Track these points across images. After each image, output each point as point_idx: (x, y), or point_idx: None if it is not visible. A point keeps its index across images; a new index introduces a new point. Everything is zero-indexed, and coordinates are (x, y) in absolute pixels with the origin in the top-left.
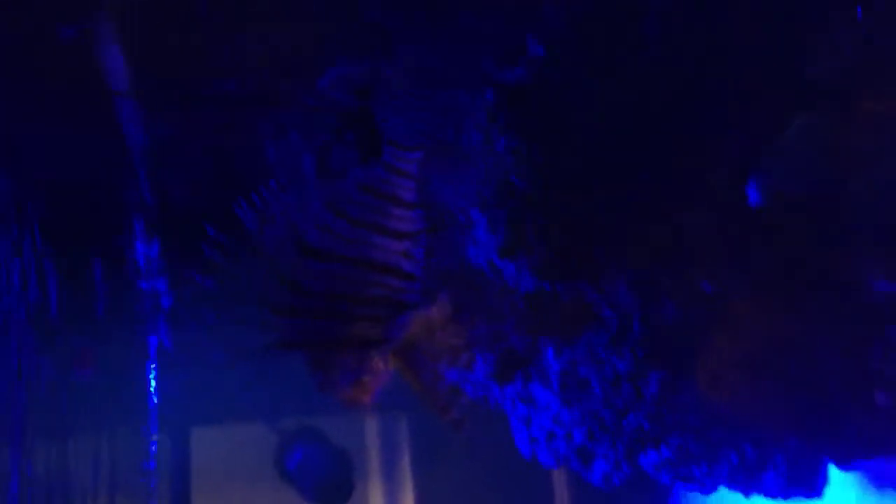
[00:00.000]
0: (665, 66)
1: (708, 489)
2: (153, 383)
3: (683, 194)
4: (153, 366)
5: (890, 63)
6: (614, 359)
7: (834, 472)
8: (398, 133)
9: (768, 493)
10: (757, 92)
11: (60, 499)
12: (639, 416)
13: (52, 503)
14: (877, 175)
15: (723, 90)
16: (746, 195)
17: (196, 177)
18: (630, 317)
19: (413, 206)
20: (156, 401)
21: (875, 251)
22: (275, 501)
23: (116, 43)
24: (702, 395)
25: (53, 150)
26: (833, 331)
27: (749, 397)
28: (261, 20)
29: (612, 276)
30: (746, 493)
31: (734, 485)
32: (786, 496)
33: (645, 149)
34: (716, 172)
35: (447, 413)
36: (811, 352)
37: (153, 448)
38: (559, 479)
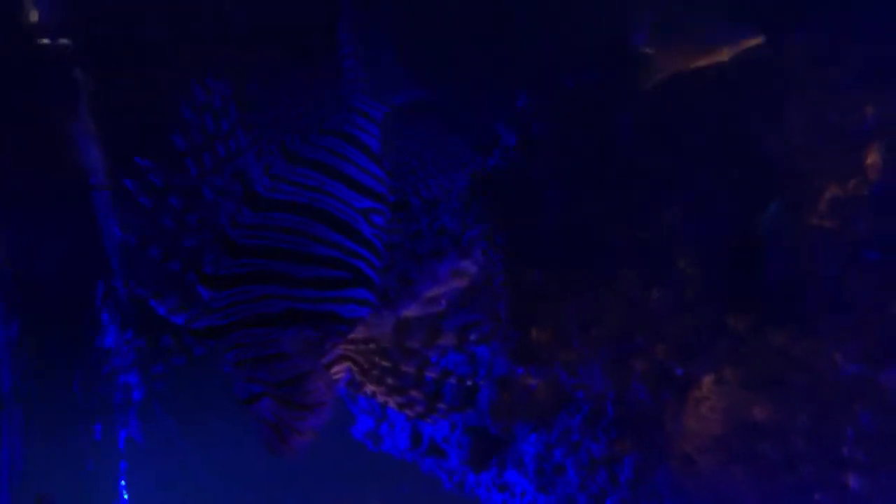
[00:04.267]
0: (633, 149)
1: None
2: (123, 480)
3: (652, 277)
4: (123, 462)
5: (843, 140)
6: (589, 442)
7: None
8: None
9: None
10: (720, 178)
11: None
12: (614, 501)
13: None
14: (841, 255)
15: (687, 180)
16: (718, 280)
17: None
18: (604, 399)
19: (378, 160)
20: (126, 497)
21: (843, 333)
22: None
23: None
24: (676, 479)
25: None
26: (803, 414)
27: (723, 482)
28: None
29: (585, 359)
30: None
31: None
32: None
33: (612, 231)
34: (683, 255)
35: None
36: (783, 435)
37: None
38: None
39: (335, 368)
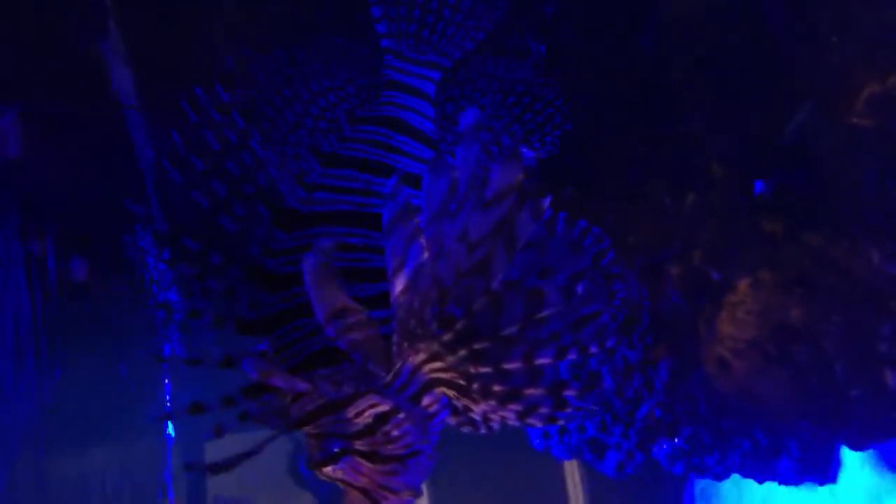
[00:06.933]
0: (660, 64)
1: (721, 478)
2: (167, 398)
3: (685, 184)
4: (166, 377)
5: (887, 43)
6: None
7: (848, 453)
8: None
9: (782, 480)
10: (752, 84)
11: None
12: (650, 406)
13: None
14: (879, 157)
15: (717, 87)
16: (751, 184)
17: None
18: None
19: (435, 144)
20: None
21: (879, 234)
22: None
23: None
24: (711, 382)
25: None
26: (838, 314)
27: (757, 384)
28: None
29: (619, 265)
30: (760, 480)
31: (747, 472)
32: (799, 482)
33: (642, 142)
34: (716, 161)
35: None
36: (817, 336)
37: (168, 458)
38: (571, 471)
39: (426, 401)
